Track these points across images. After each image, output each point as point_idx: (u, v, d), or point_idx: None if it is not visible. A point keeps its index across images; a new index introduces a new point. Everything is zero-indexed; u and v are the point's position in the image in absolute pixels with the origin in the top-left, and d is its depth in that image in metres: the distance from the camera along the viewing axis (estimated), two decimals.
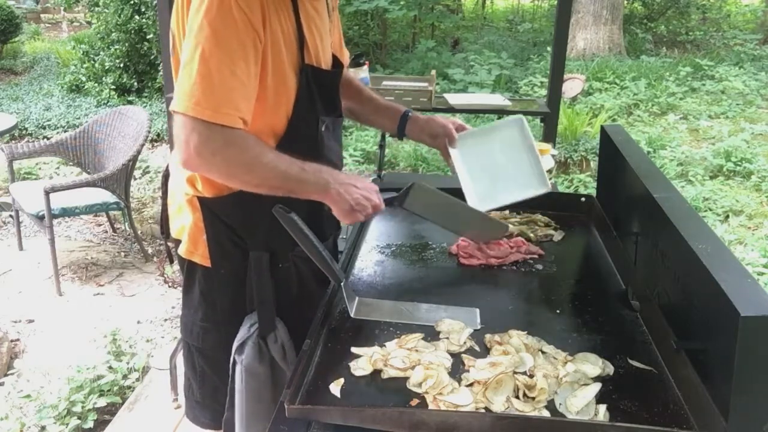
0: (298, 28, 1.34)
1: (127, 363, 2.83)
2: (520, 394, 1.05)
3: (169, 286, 3.65)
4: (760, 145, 5.97)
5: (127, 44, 7.33)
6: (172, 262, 1.68)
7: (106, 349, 2.89)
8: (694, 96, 7.60)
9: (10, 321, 3.29)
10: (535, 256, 1.59)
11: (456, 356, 1.16)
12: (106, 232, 4.43)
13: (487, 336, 1.22)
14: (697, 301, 1.08)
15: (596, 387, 1.07)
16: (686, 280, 1.14)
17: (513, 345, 1.17)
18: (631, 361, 1.17)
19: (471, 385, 1.08)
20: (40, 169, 5.40)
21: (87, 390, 2.59)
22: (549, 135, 3.12)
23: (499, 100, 3.36)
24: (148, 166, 5.52)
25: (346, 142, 5.73)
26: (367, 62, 3.21)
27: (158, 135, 6.32)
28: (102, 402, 2.58)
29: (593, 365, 1.13)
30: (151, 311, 3.40)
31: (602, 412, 1.03)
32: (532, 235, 1.70)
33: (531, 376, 1.09)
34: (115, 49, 7.39)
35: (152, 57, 7.26)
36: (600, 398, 1.06)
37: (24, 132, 6.44)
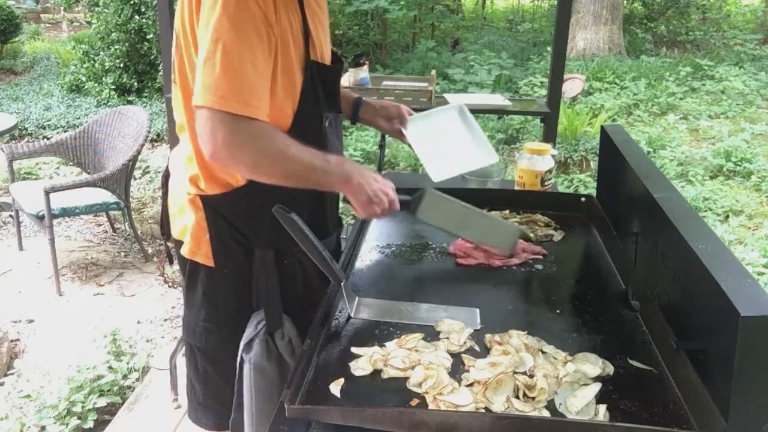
0: (304, 24, 1.35)
1: (127, 363, 2.83)
2: (520, 394, 1.05)
3: (169, 286, 3.65)
4: (760, 145, 5.97)
5: (127, 44, 7.33)
6: (172, 262, 1.68)
7: (106, 349, 2.90)
8: (694, 96, 7.59)
9: (10, 321, 3.29)
10: (539, 257, 1.59)
11: (456, 356, 1.16)
12: (106, 232, 4.43)
13: (487, 336, 1.22)
14: (697, 301, 1.08)
15: (596, 387, 1.07)
16: (686, 280, 1.14)
17: (513, 345, 1.17)
18: (631, 361, 1.16)
19: (471, 385, 1.08)
20: (40, 169, 5.40)
21: (87, 390, 2.59)
22: (549, 135, 3.11)
23: (499, 100, 3.35)
24: (148, 166, 5.52)
25: (346, 142, 5.72)
26: (367, 62, 3.22)
27: (158, 135, 6.32)
28: (102, 402, 2.58)
29: (593, 365, 1.13)
30: (151, 311, 3.40)
31: (602, 412, 1.03)
32: (532, 235, 1.70)
33: (531, 376, 1.09)
34: (115, 49, 7.39)
35: (152, 57, 7.26)
36: (600, 398, 1.05)
37: (24, 132, 6.44)
